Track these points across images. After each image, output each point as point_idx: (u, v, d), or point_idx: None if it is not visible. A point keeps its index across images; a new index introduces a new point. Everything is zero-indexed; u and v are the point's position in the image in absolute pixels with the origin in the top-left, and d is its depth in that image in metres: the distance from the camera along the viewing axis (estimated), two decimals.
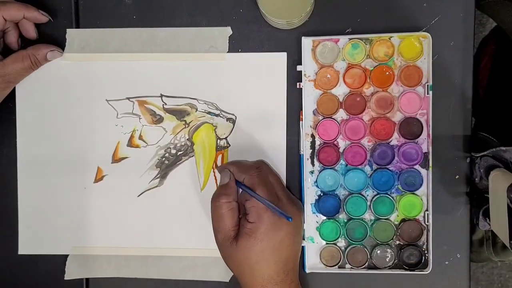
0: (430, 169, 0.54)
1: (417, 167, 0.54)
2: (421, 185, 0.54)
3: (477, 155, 0.53)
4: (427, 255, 0.54)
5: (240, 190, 0.52)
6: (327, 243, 0.56)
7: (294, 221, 0.50)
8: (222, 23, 0.56)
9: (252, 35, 0.56)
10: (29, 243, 0.58)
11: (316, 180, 0.55)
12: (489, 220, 0.52)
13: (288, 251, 0.50)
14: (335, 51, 0.54)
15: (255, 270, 0.49)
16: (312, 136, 0.55)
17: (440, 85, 0.54)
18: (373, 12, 0.55)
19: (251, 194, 0.50)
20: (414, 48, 0.53)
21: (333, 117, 0.55)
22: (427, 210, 0.54)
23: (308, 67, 0.55)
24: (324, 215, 0.55)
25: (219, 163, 0.57)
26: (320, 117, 0.55)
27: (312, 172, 0.56)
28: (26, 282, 0.59)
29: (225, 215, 0.50)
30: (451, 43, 0.54)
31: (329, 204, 0.55)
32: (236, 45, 0.56)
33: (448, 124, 0.55)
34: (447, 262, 0.56)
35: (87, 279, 0.58)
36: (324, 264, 0.56)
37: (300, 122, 0.55)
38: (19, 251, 0.58)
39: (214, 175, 0.57)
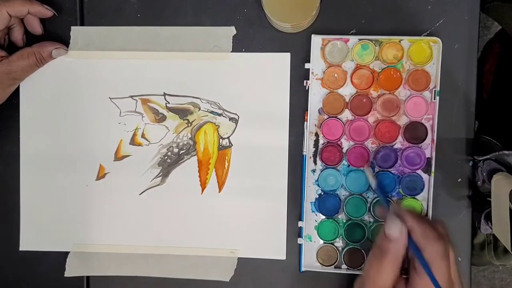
0: (433, 174, 0.54)
1: (419, 171, 0.54)
2: (422, 190, 0.54)
3: (480, 159, 0.53)
4: None
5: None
6: (324, 243, 0.56)
7: None
8: (226, 22, 0.56)
9: (256, 35, 0.56)
10: (31, 239, 0.58)
11: (318, 179, 0.55)
12: (491, 224, 0.52)
13: None
14: (344, 51, 0.54)
15: None
16: (316, 134, 0.55)
17: (443, 87, 0.54)
18: (377, 14, 0.55)
19: (428, 273, 0.41)
20: (424, 53, 0.53)
21: (338, 117, 0.55)
22: (426, 215, 0.54)
23: (316, 65, 0.55)
24: (324, 215, 0.55)
25: (221, 163, 0.57)
26: (325, 116, 0.55)
27: (314, 171, 0.56)
28: (27, 279, 0.59)
29: (385, 270, 0.43)
30: (455, 46, 0.54)
31: (329, 204, 0.55)
32: (239, 45, 0.56)
33: (451, 127, 0.55)
34: None
35: (87, 277, 0.58)
36: (320, 264, 0.56)
37: (305, 123, 0.55)
38: (20, 247, 0.58)
39: (216, 175, 0.57)
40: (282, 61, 0.55)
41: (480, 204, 0.54)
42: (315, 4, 0.50)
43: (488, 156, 0.52)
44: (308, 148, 0.55)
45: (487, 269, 1.21)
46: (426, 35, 0.54)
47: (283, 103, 0.56)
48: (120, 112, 0.57)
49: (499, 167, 0.52)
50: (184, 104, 0.57)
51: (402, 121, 0.54)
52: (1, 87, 0.54)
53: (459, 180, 0.55)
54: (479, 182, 0.53)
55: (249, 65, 0.56)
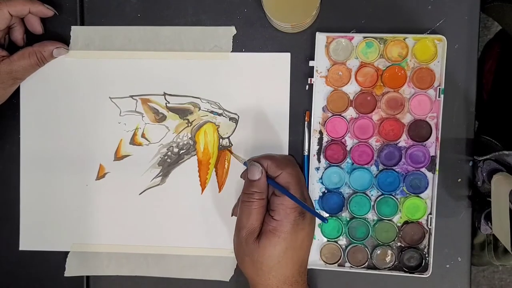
0: (437, 173, 0.54)
1: (423, 170, 0.54)
2: (426, 188, 0.54)
3: (480, 159, 0.53)
4: (427, 258, 0.54)
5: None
6: (328, 241, 0.56)
7: (313, 223, 0.52)
8: (226, 22, 0.56)
9: (256, 35, 0.56)
10: (30, 239, 0.58)
11: (321, 177, 0.55)
12: (491, 224, 0.52)
13: (306, 252, 0.51)
14: (349, 48, 0.54)
15: (274, 270, 0.49)
16: (320, 132, 0.55)
17: (444, 87, 0.54)
18: (377, 15, 0.55)
19: (286, 193, 0.49)
20: (428, 51, 0.53)
21: (342, 114, 0.55)
22: (430, 213, 0.54)
23: (320, 63, 0.55)
24: (327, 212, 0.55)
25: (221, 163, 0.57)
26: (329, 114, 0.55)
27: (317, 169, 0.56)
28: (27, 278, 0.59)
29: (255, 212, 0.49)
30: (455, 46, 0.54)
31: (332, 202, 0.55)
32: (240, 45, 0.56)
33: (451, 127, 0.55)
34: (448, 266, 0.56)
35: (87, 277, 0.58)
36: (324, 261, 0.56)
37: (306, 123, 0.55)
38: (20, 247, 0.58)
39: (216, 174, 0.57)
40: (282, 61, 0.55)
41: (480, 204, 0.54)
42: (315, 4, 0.50)
43: (488, 156, 0.52)
44: (312, 146, 0.55)
45: (487, 269, 1.21)
46: None
47: (283, 103, 0.56)
48: (120, 112, 0.57)
49: (499, 167, 0.52)
50: (184, 104, 0.57)
51: (407, 119, 0.54)
52: (2, 86, 0.54)
53: (459, 180, 0.55)
54: (479, 183, 0.53)
55: (249, 65, 0.56)
